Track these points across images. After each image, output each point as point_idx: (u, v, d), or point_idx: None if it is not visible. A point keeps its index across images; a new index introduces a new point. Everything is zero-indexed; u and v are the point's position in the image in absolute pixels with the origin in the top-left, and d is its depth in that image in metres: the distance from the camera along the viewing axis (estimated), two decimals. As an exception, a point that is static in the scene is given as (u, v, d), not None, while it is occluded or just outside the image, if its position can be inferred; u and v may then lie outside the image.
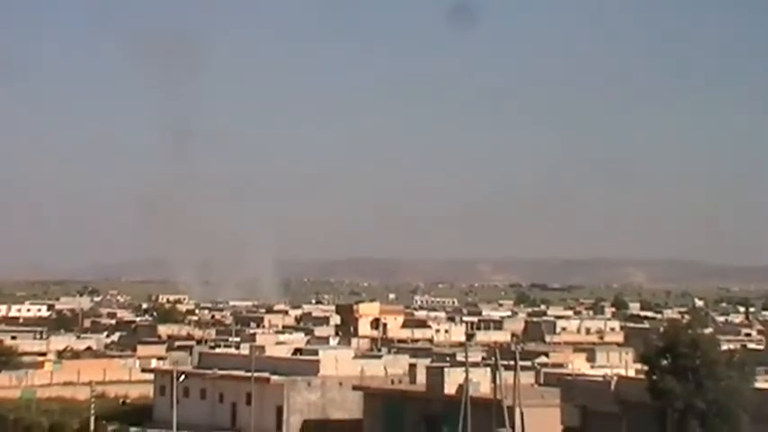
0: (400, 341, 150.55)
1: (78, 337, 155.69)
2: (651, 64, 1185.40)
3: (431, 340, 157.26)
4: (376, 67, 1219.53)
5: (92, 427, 78.24)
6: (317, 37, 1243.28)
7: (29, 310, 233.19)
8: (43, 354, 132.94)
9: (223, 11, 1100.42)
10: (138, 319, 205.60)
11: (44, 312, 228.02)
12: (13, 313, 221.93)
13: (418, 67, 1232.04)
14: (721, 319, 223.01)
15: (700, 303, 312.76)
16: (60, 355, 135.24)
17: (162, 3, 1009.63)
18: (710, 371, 57.70)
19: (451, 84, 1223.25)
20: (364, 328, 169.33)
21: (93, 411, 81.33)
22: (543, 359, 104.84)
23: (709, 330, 79.36)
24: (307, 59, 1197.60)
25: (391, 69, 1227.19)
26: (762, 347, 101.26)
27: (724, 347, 70.51)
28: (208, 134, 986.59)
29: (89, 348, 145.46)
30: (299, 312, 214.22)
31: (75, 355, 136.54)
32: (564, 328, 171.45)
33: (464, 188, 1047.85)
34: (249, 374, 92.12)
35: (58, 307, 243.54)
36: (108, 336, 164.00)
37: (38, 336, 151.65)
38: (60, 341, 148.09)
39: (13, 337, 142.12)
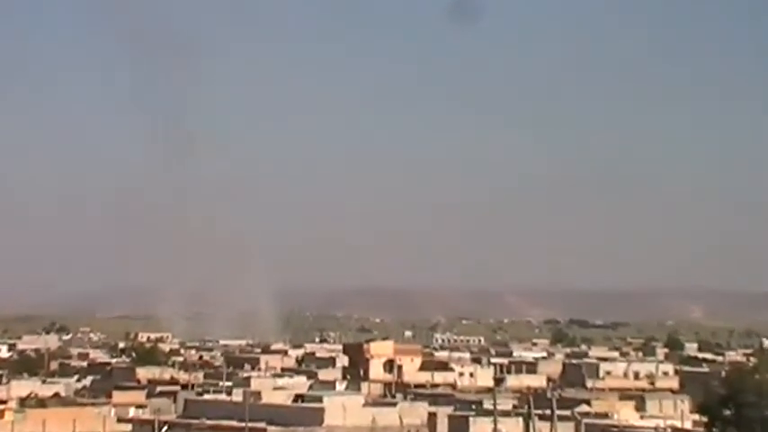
0: (418, 386, 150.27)
1: (44, 382, 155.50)
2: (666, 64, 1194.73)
3: (453, 385, 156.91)
4: (396, 73, 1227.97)
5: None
6: (320, 38, 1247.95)
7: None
8: (3, 402, 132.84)
9: (223, 10, 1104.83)
10: (113, 360, 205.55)
11: (4, 353, 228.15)
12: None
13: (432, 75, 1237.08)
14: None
15: (767, 343, 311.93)
16: (23, 402, 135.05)
17: (161, 2, 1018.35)
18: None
19: (465, 87, 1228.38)
20: (376, 370, 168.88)
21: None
22: (584, 408, 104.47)
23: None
24: (311, 63, 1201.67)
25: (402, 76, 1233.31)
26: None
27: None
28: (203, 147, 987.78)
29: (57, 395, 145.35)
30: (300, 352, 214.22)
31: (41, 402, 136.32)
32: (608, 372, 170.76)
33: (490, 208, 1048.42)
34: (243, 425, 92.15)
35: (20, 347, 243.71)
36: (79, 380, 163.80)
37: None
38: (23, 387, 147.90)
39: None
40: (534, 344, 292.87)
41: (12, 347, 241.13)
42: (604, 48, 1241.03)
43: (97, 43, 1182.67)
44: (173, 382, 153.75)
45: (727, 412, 58.76)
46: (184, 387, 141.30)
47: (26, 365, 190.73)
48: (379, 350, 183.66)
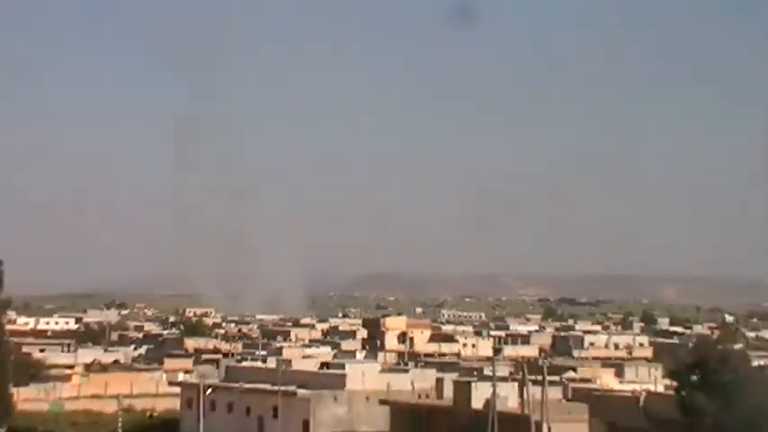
0: (427, 355, 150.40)
1: (106, 351, 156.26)
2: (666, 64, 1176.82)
3: (458, 355, 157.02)
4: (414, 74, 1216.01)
5: (119, 440, 78.46)
6: (335, 38, 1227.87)
7: (57, 324, 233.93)
8: (71, 367, 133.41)
9: (239, 11, 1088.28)
10: (165, 332, 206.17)
11: (72, 326, 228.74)
12: (41, 326, 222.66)
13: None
14: (752, 334, 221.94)
15: (730, 319, 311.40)
16: (88, 368, 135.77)
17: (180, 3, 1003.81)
18: (741, 387, 57.41)
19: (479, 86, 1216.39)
20: (391, 342, 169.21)
21: (120, 425, 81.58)
22: (571, 374, 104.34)
23: (739, 346, 78.90)
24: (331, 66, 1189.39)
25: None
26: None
27: (755, 363, 70.22)
28: (235, 147, 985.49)
29: (116, 361, 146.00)
30: (325, 326, 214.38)
31: (103, 368, 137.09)
32: (592, 343, 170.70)
33: (489, 202, 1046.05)
34: (276, 388, 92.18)
35: (85, 320, 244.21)
36: (135, 349, 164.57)
37: (66, 349, 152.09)
38: (88, 354, 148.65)
39: (42, 350, 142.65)
40: (528, 319, 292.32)
41: (78, 320, 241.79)
42: (603, 48, 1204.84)
43: (129, 48, 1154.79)
44: (215, 350, 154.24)
45: (694, 378, 58.65)
46: (225, 355, 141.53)
47: (90, 336, 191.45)
48: (394, 325, 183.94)
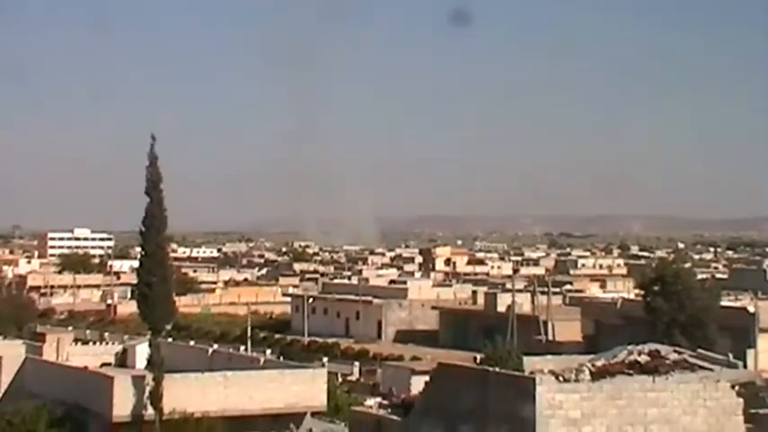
0: (465, 274, 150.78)
1: (238, 271, 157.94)
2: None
3: (487, 274, 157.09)
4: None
5: (249, 334, 79.58)
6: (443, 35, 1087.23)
7: (204, 252, 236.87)
8: (214, 282, 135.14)
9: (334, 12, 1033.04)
10: (279, 259, 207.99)
11: (215, 254, 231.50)
12: (193, 254, 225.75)
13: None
14: (697, 257, 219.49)
15: (681, 246, 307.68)
16: (226, 283, 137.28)
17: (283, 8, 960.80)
18: (689, 294, 57.22)
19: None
20: (439, 265, 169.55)
21: (249, 323, 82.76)
22: (568, 287, 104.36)
23: (687, 265, 78.46)
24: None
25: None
26: (725, 277, 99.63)
27: (699, 277, 69.78)
28: (324, 122, 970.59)
29: (246, 279, 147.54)
30: (392, 254, 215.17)
31: (236, 283, 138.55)
32: (583, 265, 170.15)
33: (511, 164, 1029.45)
34: (358, 298, 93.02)
35: (224, 250, 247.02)
36: (259, 270, 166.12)
37: (210, 270, 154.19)
38: (226, 274, 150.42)
39: (194, 271, 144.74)
40: (537, 248, 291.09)
41: (219, 250, 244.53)
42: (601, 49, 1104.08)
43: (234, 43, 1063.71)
44: (315, 272, 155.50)
45: (656, 288, 58.40)
46: (322, 275, 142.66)
47: (227, 261, 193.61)
48: (441, 253, 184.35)
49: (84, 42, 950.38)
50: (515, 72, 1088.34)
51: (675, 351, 29.09)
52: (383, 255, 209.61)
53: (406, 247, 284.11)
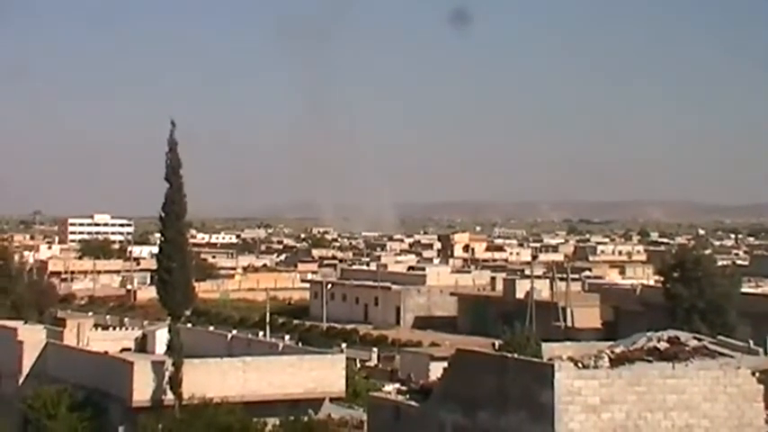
0: (484, 260, 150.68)
1: (257, 257, 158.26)
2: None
3: (506, 260, 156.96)
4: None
5: (267, 319, 79.86)
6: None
7: (223, 238, 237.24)
8: (233, 268, 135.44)
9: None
10: (298, 245, 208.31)
11: (234, 240, 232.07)
12: (212, 240, 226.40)
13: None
14: (717, 243, 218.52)
15: (702, 232, 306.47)
16: (245, 269, 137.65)
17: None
18: (709, 280, 56.89)
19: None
20: (458, 251, 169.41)
21: (268, 309, 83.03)
22: (587, 273, 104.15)
23: (708, 251, 78.02)
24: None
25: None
26: (746, 263, 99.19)
27: (719, 263, 69.44)
28: (342, 108, 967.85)
29: (265, 265, 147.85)
30: (411, 240, 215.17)
31: (255, 269, 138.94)
32: (602, 251, 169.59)
33: (540, 152, 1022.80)
34: (377, 284, 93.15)
35: (243, 236, 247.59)
36: (278, 256, 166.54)
37: (230, 256, 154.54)
38: (245, 260, 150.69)
39: (213, 257, 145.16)
40: (556, 234, 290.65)
41: (238, 236, 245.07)
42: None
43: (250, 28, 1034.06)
44: (334, 258, 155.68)
45: (675, 274, 58.12)
46: (341, 261, 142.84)
47: (246, 247, 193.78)
48: (460, 239, 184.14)
49: (105, 27, 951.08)
50: (533, 57, 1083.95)
51: (695, 338, 28.97)
52: (402, 241, 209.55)
53: (425, 233, 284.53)
